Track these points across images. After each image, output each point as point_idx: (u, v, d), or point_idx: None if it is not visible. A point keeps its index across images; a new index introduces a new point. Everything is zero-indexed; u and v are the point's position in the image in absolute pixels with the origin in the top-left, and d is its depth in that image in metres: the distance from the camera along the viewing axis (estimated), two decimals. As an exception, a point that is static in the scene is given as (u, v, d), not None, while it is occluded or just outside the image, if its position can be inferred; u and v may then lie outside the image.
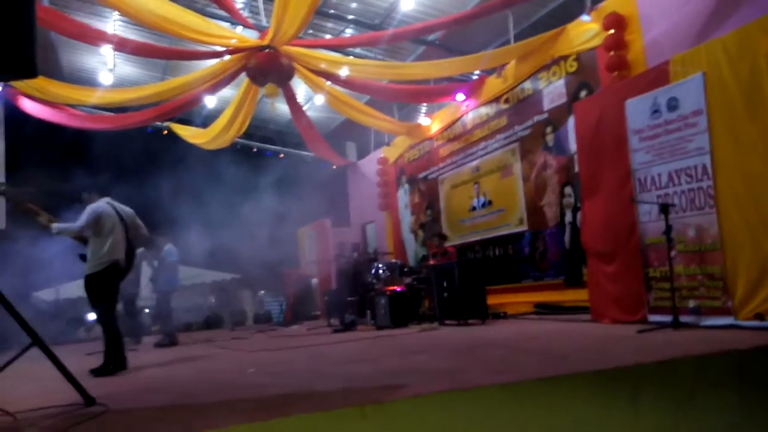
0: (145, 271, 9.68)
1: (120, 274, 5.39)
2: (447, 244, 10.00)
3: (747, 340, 3.71)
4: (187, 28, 8.13)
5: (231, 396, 3.40)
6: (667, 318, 4.90)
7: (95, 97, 10.16)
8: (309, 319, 13.87)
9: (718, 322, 4.64)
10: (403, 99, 12.43)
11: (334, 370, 4.31)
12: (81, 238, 5.30)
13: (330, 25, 10.97)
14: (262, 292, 17.18)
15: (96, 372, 5.04)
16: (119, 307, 8.83)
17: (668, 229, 4.88)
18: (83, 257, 5.31)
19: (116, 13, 9.58)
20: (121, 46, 9.25)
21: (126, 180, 7.98)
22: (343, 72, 9.99)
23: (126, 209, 5.59)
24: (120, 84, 11.90)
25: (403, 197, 13.39)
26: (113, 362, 5.15)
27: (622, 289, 5.69)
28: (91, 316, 16.34)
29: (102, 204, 5.37)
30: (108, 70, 10.79)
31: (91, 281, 5.23)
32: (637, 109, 5.51)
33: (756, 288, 4.41)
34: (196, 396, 3.58)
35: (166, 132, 13.19)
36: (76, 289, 17.19)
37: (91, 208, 5.26)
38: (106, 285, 5.26)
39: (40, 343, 3.20)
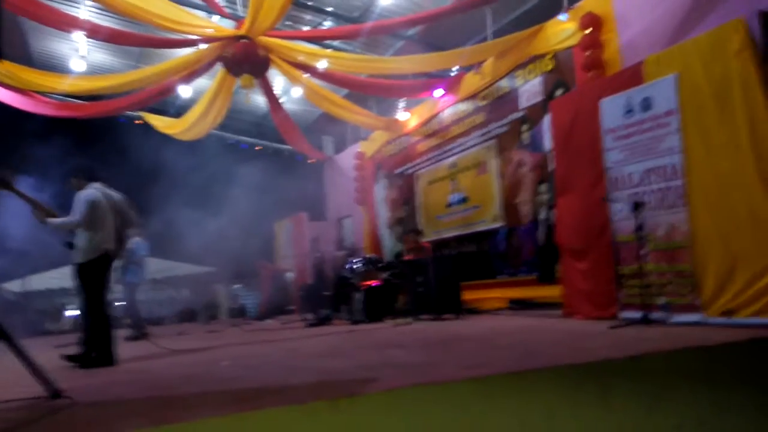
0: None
1: (110, 264, 5.21)
2: (423, 240, 10.03)
3: (715, 337, 3.79)
4: (162, 17, 7.97)
5: (203, 389, 3.36)
6: (637, 314, 4.99)
7: (66, 84, 9.90)
8: (284, 313, 13.80)
9: (688, 319, 4.74)
10: (382, 93, 12.41)
11: (307, 364, 4.28)
12: (43, 221, 4.93)
13: (308, 17, 10.88)
14: (237, 285, 17.03)
15: (75, 359, 4.92)
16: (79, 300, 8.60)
17: (639, 227, 4.96)
18: (70, 245, 5.07)
19: (89, -2, 9.38)
20: (94, 33, 9.03)
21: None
22: (321, 65, 9.92)
23: (117, 195, 5.36)
24: (92, 71, 11.62)
25: (380, 192, 13.38)
26: (98, 353, 4.97)
27: (594, 286, 5.78)
28: (70, 309, 16.06)
29: (93, 191, 5.11)
30: (80, 57, 10.52)
31: (83, 270, 5.04)
32: (611, 109, 5.58)
33: (724, 285, 4.51)
34: (168, 389, 3.52)
35: (139, 121, 12.95)
36: (44, 280, 16.89)
37: (84, 198, 5.02)
38: (98, 274, 5.07)
39: (3, 332, 3.10)
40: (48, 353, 7.23)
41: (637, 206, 5.00)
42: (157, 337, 7.72)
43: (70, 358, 5.00)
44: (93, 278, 5.05)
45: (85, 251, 5.03)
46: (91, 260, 5.03)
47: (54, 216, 4.93)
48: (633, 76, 5.49)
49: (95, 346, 5.00)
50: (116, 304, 15.02)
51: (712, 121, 4.70)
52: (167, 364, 4.95)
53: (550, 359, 3.50)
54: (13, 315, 15.00)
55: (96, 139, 12.92)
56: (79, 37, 9.33)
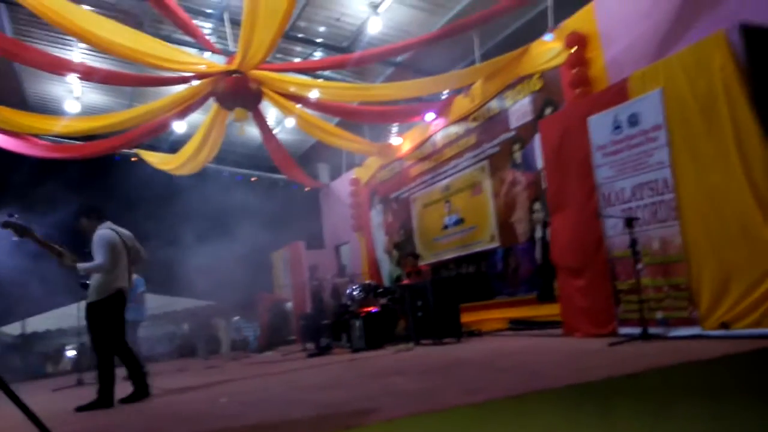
0: None
1: (125, 302, 5.24)
2: (421, 263, 10.01)
3: (714, 350, 3.77)
4: (154, 56, 8.08)
5: (201, 428, 3.32)
6: (636, 330, 4.96)
7: (61, 125, 9.99)
8: (285, 344, 13.71)
9: (686, 333, 4.72)
10: (373, 120, 12.52)
11: (307, 396, 4.25)
12: (72, 266, 5.01)
13: (298, 48, 11.03)
14: (236, 318, 16.94)
15: (130, 398, 5.00)
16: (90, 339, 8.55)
17: (633, 242, 4.97)
18: (85, 285, 5.11)
19: (81, 41, 9.50)
20: (88, 75, 9.15)
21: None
22: (313, 95, 10.02)
23: (126, 233, 5.41)
24: (87, 112, 11.73)
25: (377, 217, 13.41)
26: (137, 388, 5.08)
27: (592, 303, 5.76)
28: (70, 350, 15.93)
29: (108, 231, 5.19)
30: (74, 99, 10.64)
31: (95, 309, 5.04)
32: (599, 126, 5.64)
33: (720, 297, 4.50)
34: (165, 429, 3.49)
35: (134, 159, 13.02)
36: (43, 321, 16.79)
37: (102, 238, 5.07)
38: (112, 313, 5.10)
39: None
40: (47, 396, 7.17)
41: (630, 221, 5.01)
42: (155, 374, 7.65)
43: (123, 400, 5.00)
44: (103, 318, 5.06)
45: (99, 290, 5.06)
46: (102, 299, 5.06)
47: (74, 258, 4.97)
48: (619, 93, 5.55)
49: (137, 380, 5.11)
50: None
51: (700, 134, 4.74)
52: (165, 403, 4.90)
53: (551, 380, 3.48)
54: (13, 358, 14.89)
55: (90, 177, 12.99)
56: (72, 78, 9.45)
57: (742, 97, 4.41)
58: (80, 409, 4.82)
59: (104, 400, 4.87)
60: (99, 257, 4.99)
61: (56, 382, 9.91)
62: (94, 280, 5.08)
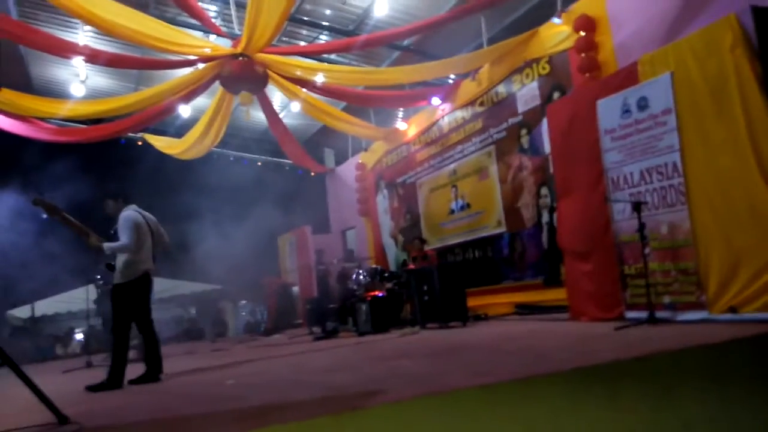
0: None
1: (150, 284, 5.33)
2: (427, 248, 10.01)
3: (721, 334, 3.76)
4: (159, 39, 8.04)
5: (208, 409, 3.35)
6: (643, 314, 4.96)
7: (66, 109, 10.01)
8: (291, 327, 13.78)
9: (693, 317, 4.71)
10: (379, 104, 12.45)
11: (313, 378, 4.27)
12: (98, 246, 5.07)
13: (304, 32, 10.96)
14: (244, 301, 17.03)
15: (140, 379, 5.06)
16: (99, 322, 8.66)
17: (641, 226, 4.94)
18: (111, 266, 5.19)
19: (87, 24, 9.46)
20: (93, 58, 9.12)
21: (98, 194, 7.87)
22: (319, 78, 9.97)
23: (151, 217, 5.50)
24: (92, 95, 11.73)
25: (383, 202, 13.39)
26: (150, 370, 5.14)
27: (599, 288, 5.75)
28: (80, 332, 16.09)
29: (134, 213, 5.26)
30: (80, 82, 10.62)
31: (121, 291, 5.13)
32: (608, 110, 5.59)
33: (728, 282, 4.48)
34: (174, 410, 3.52)
35: (140, 143, 13.04)
36: (52, 304, 16.93)
37: (128, 219, 5.13)
38: (138, 295, 5.18)
39: (10, 362, 3.12)
40: (57, 378, 7.25)
41: (638, 206, 4.98)
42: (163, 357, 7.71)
43: (132, 381, 5.06)
44: (128, 299, 5.14)
45: (125, 272, 5.13)
46: (130, 281, 5.14)
47: (100, 239, 5.03)
48: (628, 77, 5.49)
49: (152, 362, 5.17)
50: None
51: (710, 118, 4.69)
52: (173, 385, 4.95)
53: (557, 364, 3.48)
54: (23, 341, 15.05)
55: (96, 161, 13.02)
56: (78, 62, 9.43)
57: (752, 80, 4.36)
58: (91, 388, 4.88)
59: (114, 381, 4.92)
60: (124, 237, 5.06)
61: (66, 364, 10.01)
62: (120, 262, 5.15)
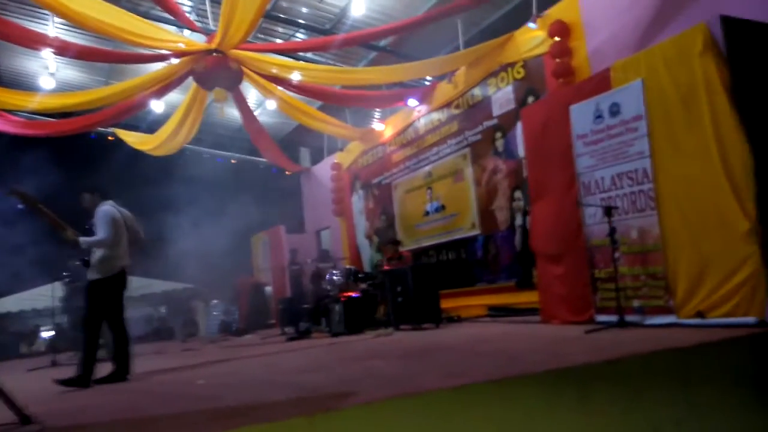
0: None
1: (125, 280, 5.26)
2: (402, 249, 10.03)
3: (689, 338, 3.84)
4: (132, 33, 7.89)
5: (178, 409, 3.29)
6: (613, 318, 5.03)
7: (35, 102, 9.75)
8: (264, 327, 13.67)
9: (662, 321, 4.79)
10: (356, 104, 12.44)
11: (286, 379, 4.24)
12: (74, 240, 4.96)
13: (280, 29, 10.88)
14: (215, 301, 16.84)
15: (105, 379, 4.95)
16: (68, 321, 8.45)
17: (612, 231, 5.02)
18: (86, 262, 5.10)
19: (57, 15, 9.24)
20: (63, 50, 8.91)
21: (67, 189, 7.67)
22: (295, 77, 9.91)
23: (128, 213, 5.43)
24: (62, 89, 11.46)
25: (358, 203, 13.37)
26: (118, 369, 5.06)
27: (570, 291, 5.82)
28: (45, 330, 15.70)
29: (111, 208, 5.19)
30: (49, 75, 10.37)
31: (97, 287, 5.05)
32: (581, 115, 5.66)
33: (696, 287, 4.57)
34: (142, 409, 3.45)
35: (111, 138, 12.78)
36: (16, 301, 16.50)
37: (106, 214, 5.08)
38: (114, 292, 5.13)
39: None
40: (21, 377, 7.06)
41: (609, 211, 5.06)
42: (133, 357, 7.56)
43: (99, 380, 4.96)
44: (105, 296, 5.08)
45: (102, 269, 5.06)
46: (107, 278, 5.07)
47: (76, 233, 4.94)
48: (601, 82, 5.57)
49: (121, 361, 5.09)
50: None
51: (680, 124, 4.77)
52: (142, 385, 4.85)
53: (530, 366, 3.51)
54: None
55: (66, 155, 12.71)
56: (48, 54, 9.20)
57: (721, 89, 4.45)
58: (60, 382, 4.78)
59: (83, 378, 4.84)
60: (101, 232, 5.00)
61: (30, 362, 9.76)
62: (96, 258, 5.07)
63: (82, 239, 4.92)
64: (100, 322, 5.09)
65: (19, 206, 4.80)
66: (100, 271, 5.06)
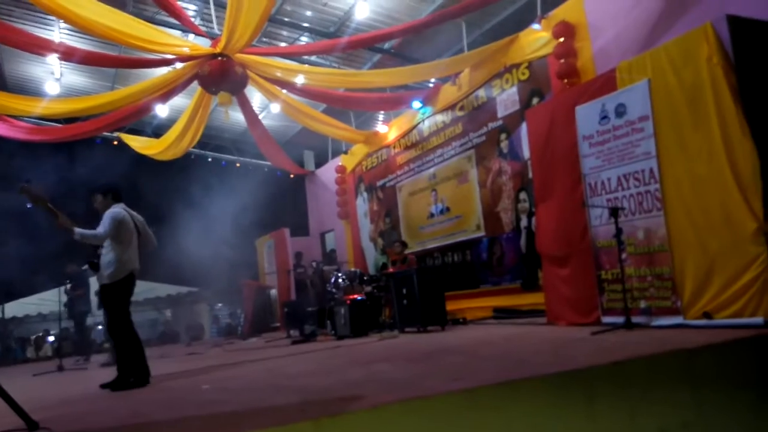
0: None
1: (134, 283, 5.24)
2: (407, 252, 10.01)
3: (696, 339, 3.80)
4: (137, 37, 7.92)
5: (182, 414, 3.29)
6: (619, 319, 5.00)
7: (41, 107, 9.80)
8: (269, 331, 13.67)
9: (668, 322, 4.76)
10: (360, 107, 12.44)
11: (291, 383, 4.22)
12: (92, 246, 5.01)
13: (284, 33, 10.91)
14: (220, 305, 16.87)
15: (114, 386, 4.88)
16: (72, 325, 8.45)
17: (618, 231, 4.99)
18: (94, 265, 5.07)
19: (63, 21, 9.29)
20: (68, 55, 8.96)
21: (73, 194, 7.70)
22: (299, 80, 9.92)
23: (139, 217, 5.41)
24: (67, 94, 11.54)
25: (362, 205, 13.36)
26: (135, 375, 4.98)
27: (576, 292, 5.79)
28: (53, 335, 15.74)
29: (120, 210, 5.16)
30: (55, 80, 10.43)
31: (110, 291, 5.05)
32: (586, 116, 5.64)
33: (703, 287, 4.54)
34: (146, 415, 3.45)
35: (116, 143, 12.83)
36: (22, 307, 16.56)
37: (112, 215, 5.04)
38: (125, 295, 5.10)
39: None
40: (26, 382, 7.08)
41: (615, 211, 5.03)
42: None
43: (111, 386, 4.94)
44: (118, 299, 5.06)
45: (113, 273, 5.02)
46: (118, 281, 5.04)
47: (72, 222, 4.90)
48: (606, 83, 5.54)
49: (130, 368, 5.01)
50: (99, 328, 14.77)
51: (686, 125, 4.75)
52: (147, 390, 4.85)
53: (535, 368, 3.48)
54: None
55: (71, 161, 12.76)
56: (53, 59, 9.26)
57: (727, 89, 4.42)
58: (107, 387, 4.85)
59: (142, 375, 4.94)
60: (100, 228, 4.96)
61: (37, 367, 9.79)
62: (106, 261, 5.03)
63: (77, 229, 4.84)
64: (125, 322, 5.06)
65: (28, 205, 4.77)
66: (110, 276, 5.02)
